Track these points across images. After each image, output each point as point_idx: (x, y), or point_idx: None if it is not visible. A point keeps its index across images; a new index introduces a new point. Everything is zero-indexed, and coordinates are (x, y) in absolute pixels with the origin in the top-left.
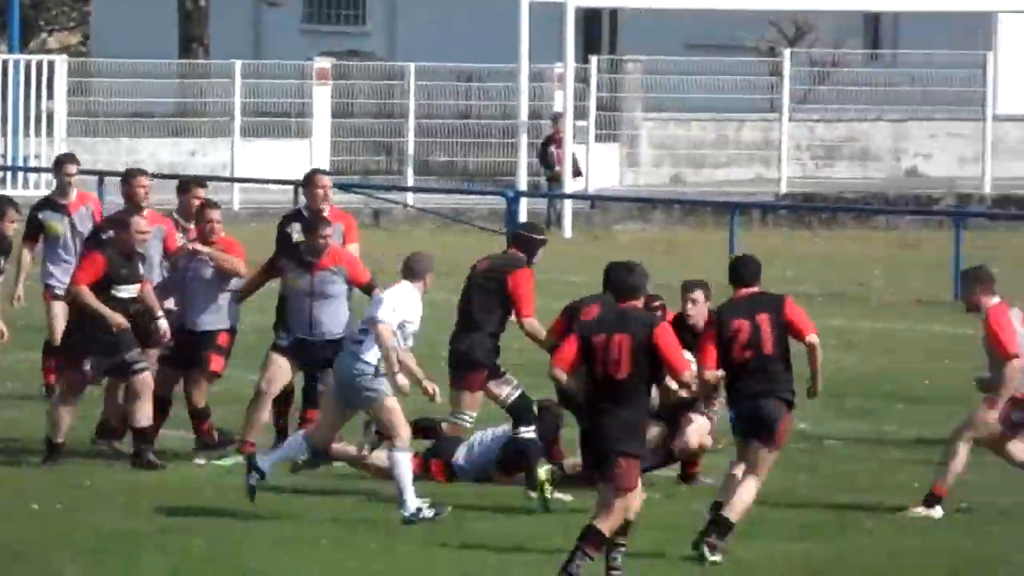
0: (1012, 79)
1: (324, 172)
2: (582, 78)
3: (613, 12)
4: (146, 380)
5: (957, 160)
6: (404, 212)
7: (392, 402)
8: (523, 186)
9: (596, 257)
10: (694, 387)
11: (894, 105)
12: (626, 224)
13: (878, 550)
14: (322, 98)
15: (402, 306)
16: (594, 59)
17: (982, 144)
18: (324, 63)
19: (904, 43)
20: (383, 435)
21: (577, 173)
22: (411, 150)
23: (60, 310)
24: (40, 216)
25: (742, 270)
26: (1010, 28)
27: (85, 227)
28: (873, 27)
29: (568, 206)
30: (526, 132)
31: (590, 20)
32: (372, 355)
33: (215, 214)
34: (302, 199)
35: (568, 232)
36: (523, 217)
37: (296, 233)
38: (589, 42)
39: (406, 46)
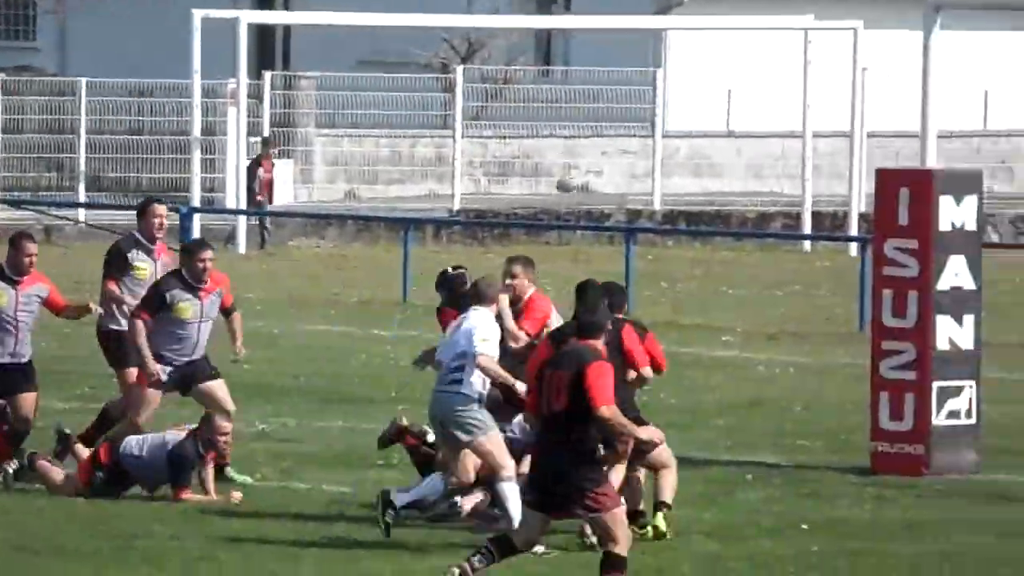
0: (681, 96)
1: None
2: (255, 94)
3: (287, 28)
4: None
5: (628, 176)
6: (76, 228)
7: (495, 434)
8: (196, 202)
9: (272, 272)
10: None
11: (566, 122)
12: (300, 240)
13: None
14: None
15: (490, 334)
16: (267, 75)
17: (652, 160)
18: None
19: (576, 60)
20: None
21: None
22: (83, 166)
23: None
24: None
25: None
26: (679, 46)
27: None
28: (545, 44)
29: (243, 222)
30: (199, 148)
31: (263, 36)
32: (473, 387)
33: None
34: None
35: (243, 248)
36: (196, 233)
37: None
38: (262, 58)
39: (77, 62)
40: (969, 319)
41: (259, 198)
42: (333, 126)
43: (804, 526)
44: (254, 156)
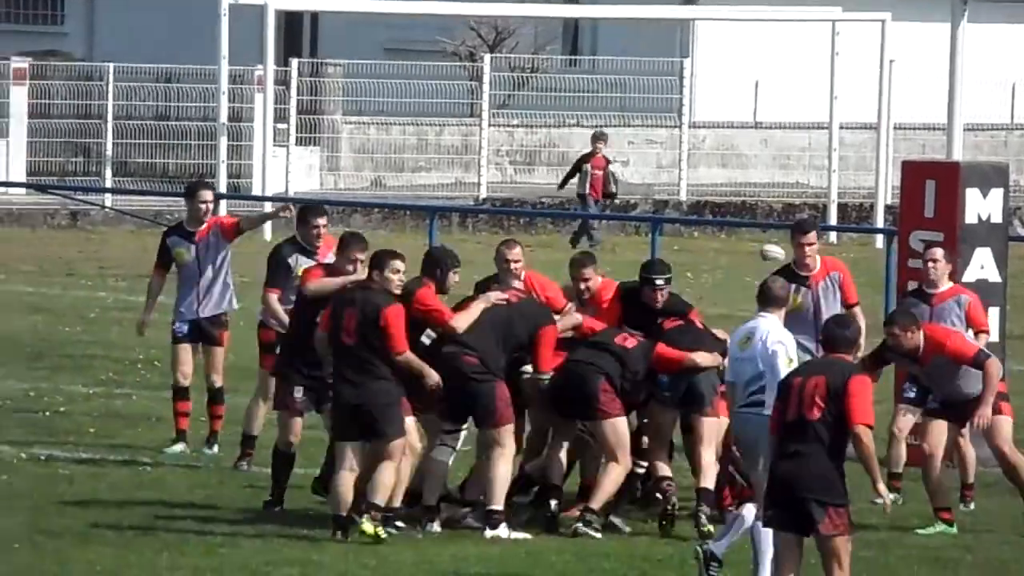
0: (708, 87)
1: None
2: (282, 81)
3: (314, 15)
4: None
5: (654, 166)
6: (102, 213)
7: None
8: (223, 188)
9: None
10: None
11: (593, 111)
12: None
13: None
14: (19, 98)
15: (793, 352)
16: (294, 62)
17: (678, 151)
18: (21, 63)
19: (603, 49)
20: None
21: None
22: (109, 151)
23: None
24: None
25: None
26: (706, 36)
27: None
28: (572, 33)
29: (268, 208)
30: (226, 134)
31: (291, 23)
32: None
33: None
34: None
35: (268, 235)
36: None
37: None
38: (289, 45)
39: (105, 47)
40: (994, 312)
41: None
42: (360, 114)
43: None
44: (281, 143)
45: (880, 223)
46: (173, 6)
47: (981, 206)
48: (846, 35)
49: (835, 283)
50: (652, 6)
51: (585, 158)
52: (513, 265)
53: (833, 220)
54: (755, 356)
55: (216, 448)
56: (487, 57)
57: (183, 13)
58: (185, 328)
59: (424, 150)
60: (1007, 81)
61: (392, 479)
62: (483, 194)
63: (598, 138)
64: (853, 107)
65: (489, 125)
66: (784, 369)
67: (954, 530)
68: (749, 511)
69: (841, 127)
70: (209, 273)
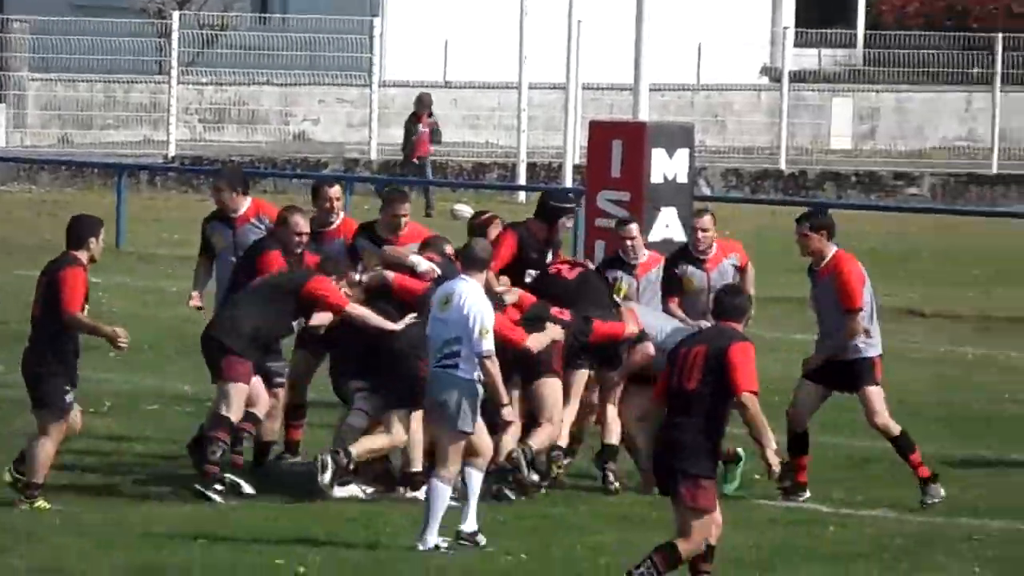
0: (398, 46)
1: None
2: None
3: None
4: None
5: (345, 125)
6: None
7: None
8: None
9: None
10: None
11: (283, 69)
12: (12, 185)
13: None
14: None
15: (490, 322)
16: None
17: (369, 110)
18: None
19: (293, 8)
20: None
21: None
22: None
23: None
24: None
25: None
26: None
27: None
28: None
29: None
30: None
31: None
32: (472, 372)
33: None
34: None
35: None
36: None
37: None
38: None
39: None
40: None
41: None
42: (47, 70)
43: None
44: None
45: (569, 182)
46: None
47: (667, 166)
48: None
49: (732, 266)
50: None
51: (413, 120)
52: (402, 220)
53: (522, 180)
54: (450, 319)
55: None
56: (176, 14)
57: None
58: None
59: (112, 107)
60: (693, 42)
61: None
62: (172, 152)
63: (422, 101)
64: (542, 67)
65: (178, 83)
66: (479, 338)
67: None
68: (470, 475)
69: (530, 87)
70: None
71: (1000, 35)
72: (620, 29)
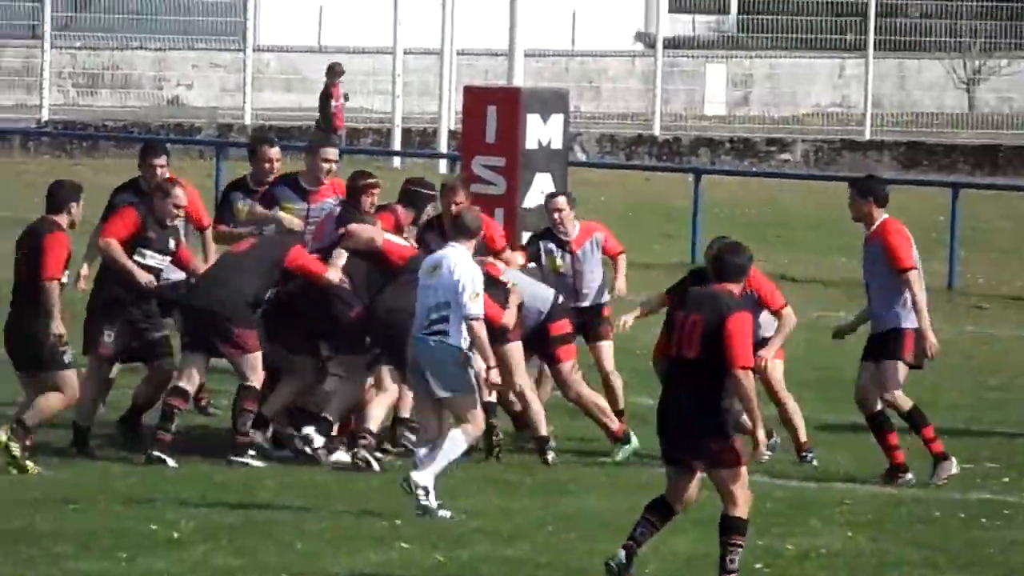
0: (272, 10)
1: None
2: None
3: None
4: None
5: (219, 89)
6: None
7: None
8: None
9: None
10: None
11: (157, 34)
12: None
13: None
14: None
15: (480, 285)
16: None
17: (243, 74)
18: None
19: None
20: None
21: None
22: None
23: None
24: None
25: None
26: None
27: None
28: None
29: None
30: None
31: None
32: (461, 340)
33: None
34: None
35: None
36: None
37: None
38: None
39: None
40: None
41: None
42: None
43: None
44: None
45: (444, 148)
46: None
47: (542, 132)
48: None
49: (596, 244)
50: None
51: (327, 93)
52: (333, 166)
53: (397, 145)
54: (440, 285)
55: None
56: None
57: None
58: None
59: None
60: (567, 7)
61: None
62: (45, 116)
63: (334, 71)
64: (417, 33)
65: (51, 47)
66: (469, 302)
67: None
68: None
69: (405, 52)
70: None
71: (873, 0)
72: None
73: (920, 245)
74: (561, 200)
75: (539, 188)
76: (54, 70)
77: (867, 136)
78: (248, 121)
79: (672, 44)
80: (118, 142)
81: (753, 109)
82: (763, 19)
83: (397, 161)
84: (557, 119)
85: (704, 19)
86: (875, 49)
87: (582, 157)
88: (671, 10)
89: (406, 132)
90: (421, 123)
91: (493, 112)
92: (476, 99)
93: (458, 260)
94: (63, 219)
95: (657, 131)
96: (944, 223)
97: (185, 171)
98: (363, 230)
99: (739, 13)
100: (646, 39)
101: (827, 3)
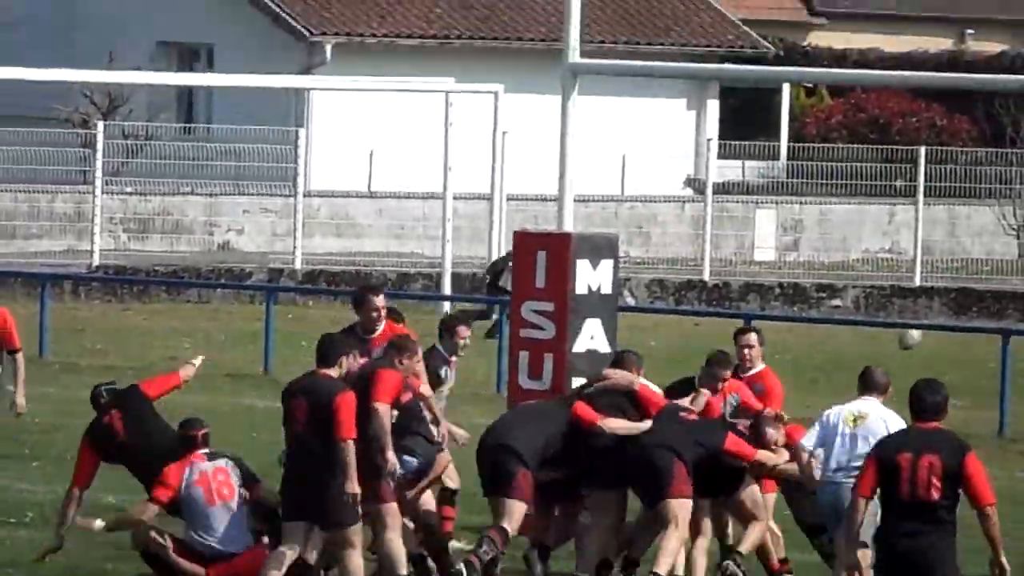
0: (323, 156)
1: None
2: None
3: None
4: None
5: (269, 234)
6: None
7: None
8: None
9: None
10: None
11: (208, 179)
12: None
13: None
14: None
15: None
16: None
17: (293, 219)
18: None
19: (218, 118)
20: None
21: None
22: None
23: None
24: None
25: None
26: (321, 105)
27: None
28: (187, 101)
29: None
30: None
31: None
32: None
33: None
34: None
35: None
36: None
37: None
38: None
39: None
40: None
41: None
42: None
43: None
44: None
45: None
46: None
47: (591, 277)
48: (460, 106)
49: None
50: (267, 75)
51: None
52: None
53: (447, 290)
54: (861, 435)
55: None
56: (100, 124)
57: None
58: None
59: (36, 217)
60: (617, 153)
61: None
62: (96, 261)
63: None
64: (467, 178)
65: (102, 192)
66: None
67: None
68: None
69: (455, 197)
70: None
71: (923, 148)
72: (545, 140)
73: (970, 391)
74: (752, 336)
75: (589, 334)
76: (105, 215)
77: (917, 282)
78: (298, 265)
79: (722, 189)
80: (168, 287)
81: (803, 254)
82: (813, 165)
83: (447, 306)
84: (607, 264)
85: (754, 164)
86: (925, 195)
87: (631, 302)
88: (720, 156)
89: (456, 277)
90: (471, 268)
91: (543, 257)
92: (526, 244)
93: (888, 417)
94: (334, 372)
95: (707, 276)
96: (994, 370)
97: (235, 316)
98: (623, 376)
99: (788, 159)
100: (695, 184)
101: (877, 150)
